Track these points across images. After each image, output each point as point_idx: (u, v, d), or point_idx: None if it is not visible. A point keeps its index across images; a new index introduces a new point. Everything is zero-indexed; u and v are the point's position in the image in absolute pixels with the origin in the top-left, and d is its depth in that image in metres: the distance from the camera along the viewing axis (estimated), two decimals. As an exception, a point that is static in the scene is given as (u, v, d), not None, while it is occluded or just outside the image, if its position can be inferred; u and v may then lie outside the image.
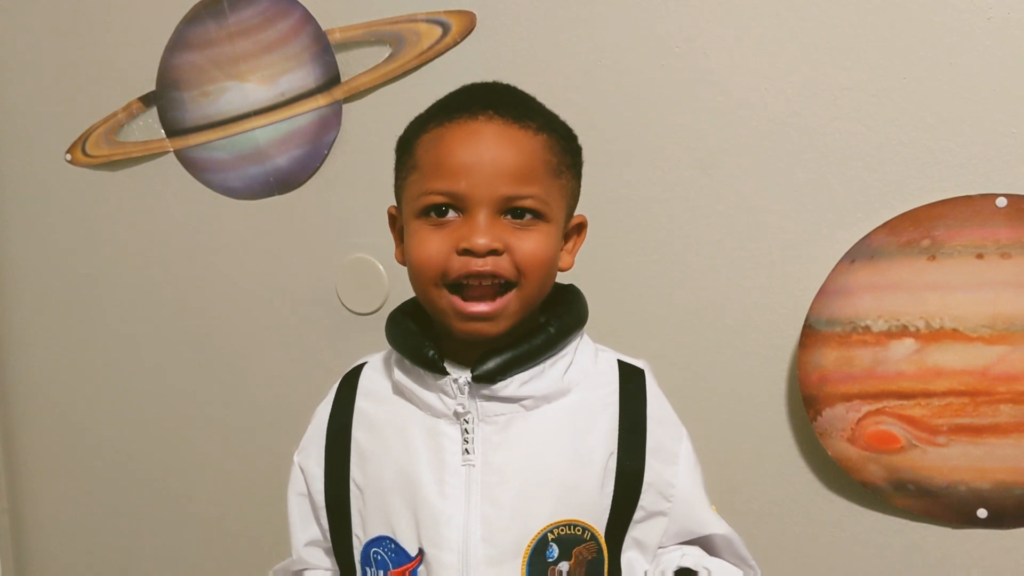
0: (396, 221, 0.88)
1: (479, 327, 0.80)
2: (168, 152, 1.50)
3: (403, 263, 0.86)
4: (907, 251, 1.14)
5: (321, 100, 1.40)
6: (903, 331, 1.15)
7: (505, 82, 0.86)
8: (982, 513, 1.16)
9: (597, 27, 1.26)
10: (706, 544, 0.90)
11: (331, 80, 1.39)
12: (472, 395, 0.82)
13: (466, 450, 0.81)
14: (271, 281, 1.48)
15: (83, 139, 1.54)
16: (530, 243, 0.79)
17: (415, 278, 0.82)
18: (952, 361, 1.14)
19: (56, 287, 1.61)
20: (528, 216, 0.80)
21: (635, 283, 1.28)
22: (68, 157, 1.56)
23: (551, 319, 0.84)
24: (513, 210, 0.79)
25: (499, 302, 0.79)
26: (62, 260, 1.60)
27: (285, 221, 1.45)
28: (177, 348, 1.56)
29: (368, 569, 0.84)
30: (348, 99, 1.39)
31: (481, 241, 0.77)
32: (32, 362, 1.65)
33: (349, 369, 0.92)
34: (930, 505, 1.17)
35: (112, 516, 1.64)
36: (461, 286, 0.79)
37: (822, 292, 1.17)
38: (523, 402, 0.82)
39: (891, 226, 1.15)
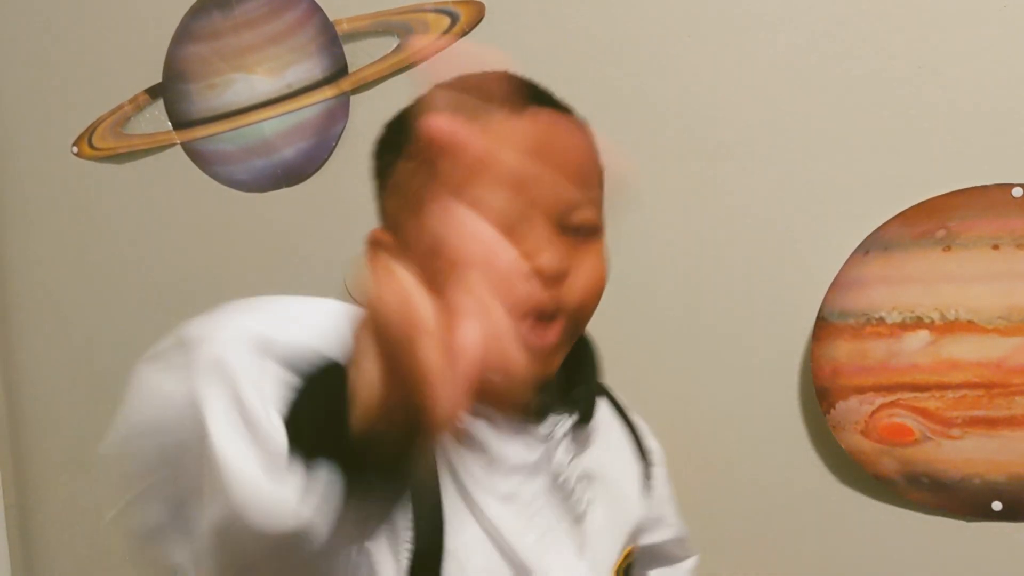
0: (387, 249, 0.70)
1: (541, 367, 0.64)
2: (175, 145, 1.49)
3: None
4: (922, 242, 1.13)
5: (328, 92, 1.39)
6: (918, 323, 1.14)
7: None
8: (997, 506, 1.15)
9: (606, 17, 1.25)
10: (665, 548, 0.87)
11: (338, 71, 1.38)
12: (566, 446, 0.68)
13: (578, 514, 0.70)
14: (279, 274, 1.48)
15: (89, 132, 1.53)
16: (591, 266, 0.65)
17: None
18: (967, 353, 1.13)
19: (62, 281, 1.61)
20: (585, 230, 0.66)
21: (644, 276, 1.27)
22: (74, 150, 1.55)
23: None
24: (570, 224, 0.65)
25: (556, 330, 0.64)
26: (68, 253, 1.60)
27: (293, 214, 1.45)
28: (185, 341, 1.55)
29: None
30: (356, 90, 1.38)
31: (549, 260, 0.61)
32: (38, 356, 1.65)
33: None
34: (944, 498, 1.16)
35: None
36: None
37: (835, 284, 1.16)
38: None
39: (905, 217, 1.14)
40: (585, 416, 0.69)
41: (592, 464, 0.71)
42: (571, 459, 0.68)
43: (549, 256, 0.61)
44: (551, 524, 0.67)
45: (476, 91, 0.64)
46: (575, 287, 0.64)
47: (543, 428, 0.67)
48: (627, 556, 0.75)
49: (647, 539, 0.86)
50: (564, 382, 0.71)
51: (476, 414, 0.66)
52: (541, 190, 0.62)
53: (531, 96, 0.67)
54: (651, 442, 0.86)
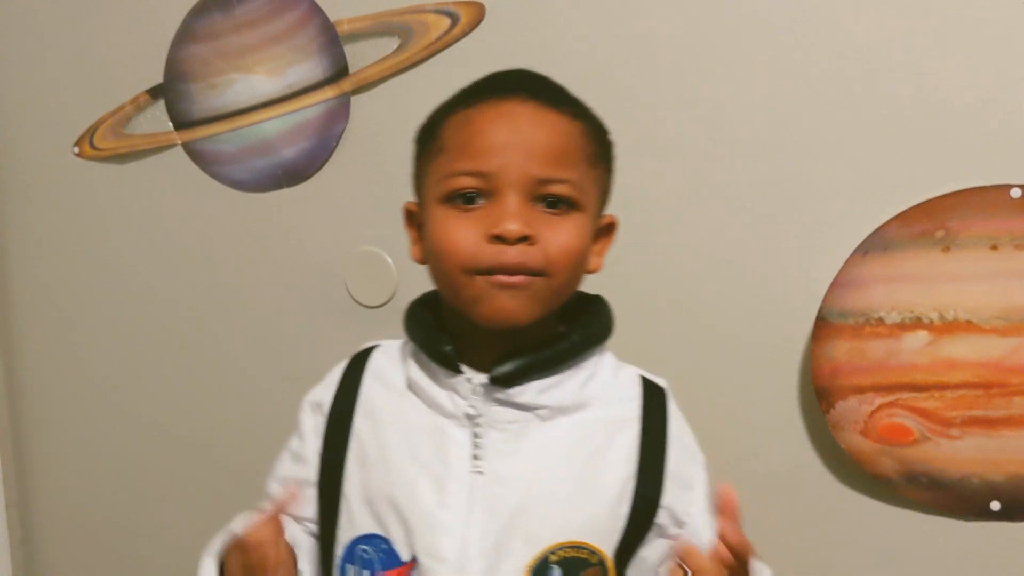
0: (414, 217, 0.83)
1: (508, 307, 0.74)
2: (176, 145, 1.50)
3: (421, 261, 0.82)
4: (920, 242, 1.14)
5: (329, 92, 1.39)
6: (916, 323, 1.14)
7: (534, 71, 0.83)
8: (995, 506, 1.15)
9: (606, 18, 1.26)
10: None
11: (339, 72, 1.38)
12: (486, 398, 0.77)
13: (476, 456, 0.77)
14: (280, 274, 1.48)
15: (91, 132, 1.54)
16: (563, 234, 0.75)
17: (440, 266, 0.77)
18: (966, 353, 1.13)
19: (64, 281, 1.62)
20: (562, 204, 0.75)
21: (644, 276, 1.27)
22: (76, 150, 1.55)
23: (574, 327, 0.81)
24: (546, 197, 0.74)
25: (529, 280, 0.74)
26: (69, 253, 1.60)
27: (293, 214, 1.45)
28: (184, 341, 1.56)
29: (349, 567, 0.79)
30: (356, 91, 1.38)
31: (512, 227, 0.71)
32: (40, 356, 1.65)
33: (359, 350, 0.89)
34: (943, 498, 1.17)
35: (120, 511, 1.65)
36: (491, 275, 0.74)
37: (835, 284, 1.17)
38: (538, 411, 0.78)
39: (904, 217, 1.14)
40: (496, 379, 0.76)
41: (529, 438, 0.78)
42: (485, 410, 0.78)
43: (512, 222, 0.72)
44: (459, 475, 0.77)
45: (484, 82, 0.79)
46: (544, 251, 0.74)
47: (462, 380, 0.78)
48: (565, 551, 0.77)
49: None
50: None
51: (419, 364, 0.81)
52: (512, 165, 0.73)
53: (522, 86, 0.77)
54: (678, 462, 0.83)
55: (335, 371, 0.88)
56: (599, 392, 0.81)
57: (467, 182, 0.74)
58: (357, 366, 0.87)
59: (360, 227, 1.41)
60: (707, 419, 1.26)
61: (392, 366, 0.85)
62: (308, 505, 0.85)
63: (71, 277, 1.61)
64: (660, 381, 0.87)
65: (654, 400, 0.85)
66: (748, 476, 1.26)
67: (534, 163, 0.73)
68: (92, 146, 1.54)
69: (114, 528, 1.66)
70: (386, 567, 0.77)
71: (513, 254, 0.73)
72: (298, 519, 0.86)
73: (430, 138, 0.79)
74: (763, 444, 1.25)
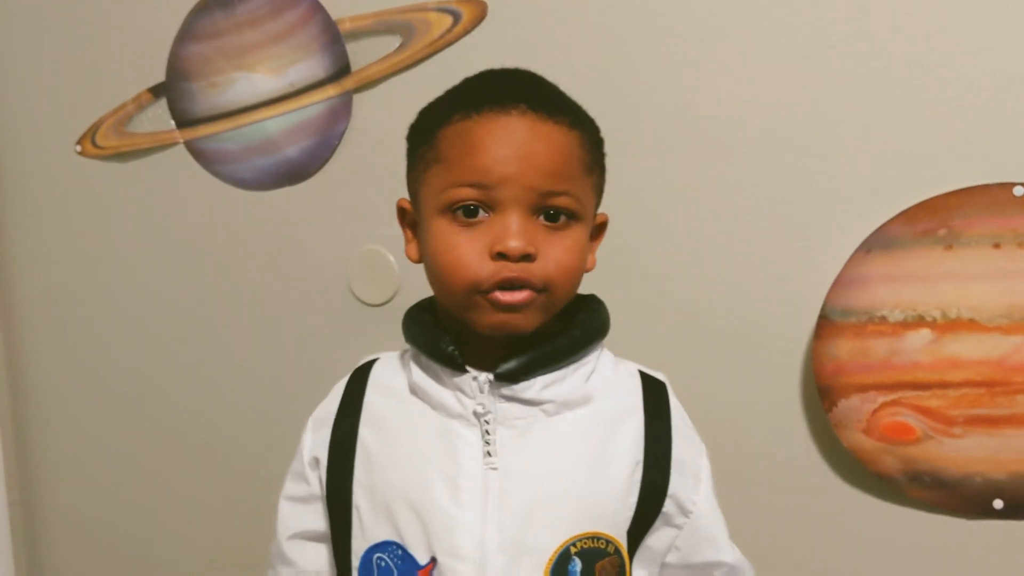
0: (407, 215, 0.83)
1: (511, 319, 0.75)
2: (178, 143, 1.50)
3: (416, 260, 0.82)
4: (923, 241, 1.13)
5: (331, 90, 1.39)
6: (919, 321, 1.14)
7: (527, 70, 0.82)
8: (998, 504, 1.15)
9: (609, 15, 1.25)
10: (710, 572, 0.87)
11: (341, 70, 1.38)
12: (492, 395, 0.78)
13: (488, 452, 0.77)
14: (282, 273, 1.48)
15: (93, 130, 1.54)
16: (562, 250, 0.75)
17: (441, 281, 0.77)
18: (969, 351, 1.13)
19: (66, 280, 1.62)
20: (562, 217, 0.76)
21: (648, 274, 1.27)
22: (78, 148, 1.55)
23: (573, 325, 0.81)
24: (546, 210, 0.75)
25: (529, 293, 0.75)
26: (71, 251, 1.61)
27: (296, 212, 1.45)
28: (187, 340, 1.56)
29: None
30: (358, 89, 1.38)
31: (515, 244, 0.72)
32: (42, 354, 1.66)
33: (360, 364, 0.89)
34: (946, 496, 1.17)
35: (122, 511, 1.65)
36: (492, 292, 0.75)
37: (838, 282, 1.17)
38: (544, 406, 0.79)
39: (907, 216, 1.14)
40: (501, 375, 0.77)
41: (539, 431, 0.79)
42: (493, 407, 0.78)
43: (515, 240, 0.73)
44: (471, 472, 0.78)
45: (480, 87, 0.78)
46: (544, 265, 0.74)
47: (467, 378, 0.79)
48: (585, 542, 0.78)
49: (672, 556, 0.85)
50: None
51: (421, 367, 0.82)
52: (514, 180, 0.73)
53: (520, 96, 0.76)
54: (682, 451, 0.84)
55: (337, 386, 0.89)
56: (601, 386, 0.82)
57: (468, 195, 0.74)
58: (359, 379, 0.87)
59: (362, 225, 1.41)
60: (710, 417, 1.26)
61: (393, 374, 0.86)
62: (318, 519, 0.87)
63: (73, 275, 1.61)
64: (659, 375, 0.88)
65: (654, 393, 0.85)
66: (750, 474, 1.26)
67: (536, 178, 0.74)
68: (94, 144, 1.55)
69: (117, 527, 1.66)
70: (405, 573, 0.77)
71: (515, 270, 0.73)
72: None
73: (425, 144, 0.79)
74: (765, 442, 1.25)
